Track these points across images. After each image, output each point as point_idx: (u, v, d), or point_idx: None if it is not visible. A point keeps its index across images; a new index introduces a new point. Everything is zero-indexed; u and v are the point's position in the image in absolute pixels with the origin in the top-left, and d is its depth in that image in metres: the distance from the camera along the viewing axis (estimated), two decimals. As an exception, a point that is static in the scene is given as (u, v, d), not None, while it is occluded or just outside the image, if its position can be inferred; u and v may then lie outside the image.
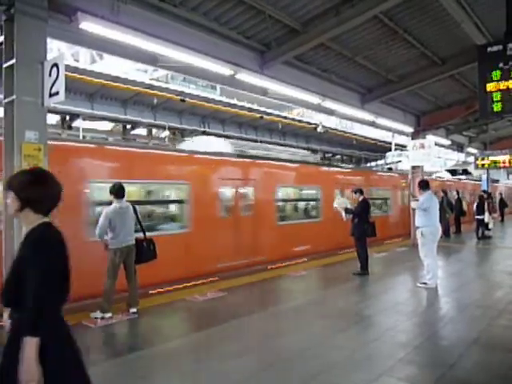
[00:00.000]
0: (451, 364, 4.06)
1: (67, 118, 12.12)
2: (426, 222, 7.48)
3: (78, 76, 11.21)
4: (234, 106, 15.66)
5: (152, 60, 7.35)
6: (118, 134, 13.93)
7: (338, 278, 8.62)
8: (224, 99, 16.24)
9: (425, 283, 7.45)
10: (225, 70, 7.34)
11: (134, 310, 5.86)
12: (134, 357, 4.35)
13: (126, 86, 12.50)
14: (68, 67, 10.93)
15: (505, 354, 4.39)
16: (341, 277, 8.57)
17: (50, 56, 4.89)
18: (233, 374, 3.94)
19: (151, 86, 13.42)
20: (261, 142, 17.23)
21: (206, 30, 7.05)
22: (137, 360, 4.27)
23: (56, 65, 4.55)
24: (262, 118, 16.28)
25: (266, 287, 7.76)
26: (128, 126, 13.86)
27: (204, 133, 14.52)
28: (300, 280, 8.29)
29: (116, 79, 12.39)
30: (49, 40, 5.18)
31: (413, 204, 7.91)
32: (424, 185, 7.84)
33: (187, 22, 6.73)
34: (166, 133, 14.23)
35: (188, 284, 7.57)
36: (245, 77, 7.78)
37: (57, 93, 4.54)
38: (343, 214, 8.78)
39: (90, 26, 5.40)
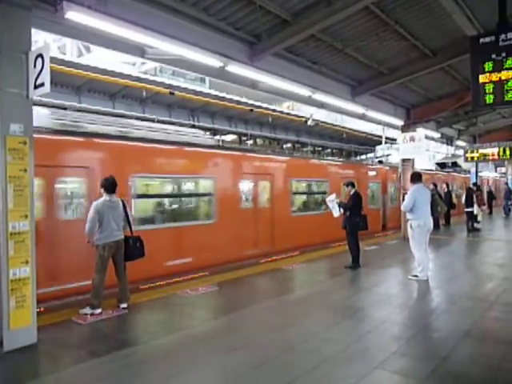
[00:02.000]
0: (444, 356, 4.05)
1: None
2: (415, 215, 7.49)
3: (65, 69, 10.98)
4: (224, 99, 15.50)
5: (140, 52, 7.21)
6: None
7: (331, 271, 8.62)
8: (213, 92, 16.08)
9: (416, 276, 7.48)
10: (214, 62, 7.22)
11: (124, 305, 5.78)
12: (125, 353, 4.28)
13: (114, 79, 12.29)
14: (54, 60, 10.74)
15: (496, 345, 4.40)
16: (333, 270, 8.56)
17: (35, 48, 4.75)
18: (228, 368, 3.90)
19: (140, 79, 13.22)
20: (251, 135, 17.17)
21: (195, 21, 6.92)
22: (128, 356, 4.20)
23: (41, 55, 4.41)
24: (252, 111, 16.16)
25: (259, 281, 7.72)
26: (117, 120, 13.64)
27: (193, 126, 14.38)
28: (292, 274, 8.26)
29: (104, 72, 12.17)
30: (35, 33, 5.04)
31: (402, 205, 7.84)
32: (416, 177, 7.82)
33: (175, 12, 6.59)
34: (156, 126, 14.06)
35: (179, 279, 7.50)
36: (234, 69, 7.67)
37: (42, 84, 4.40)
38: (334, 210, 8.69)
39: (76, 15, 5.24)
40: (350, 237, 8.53)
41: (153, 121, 13.57)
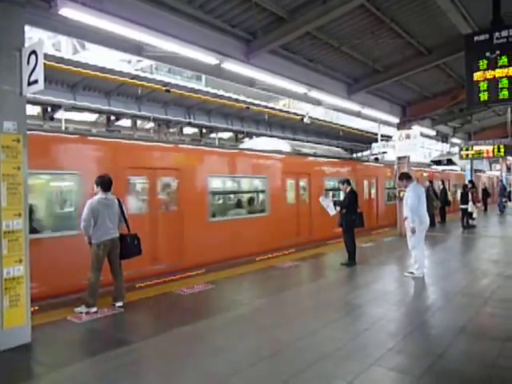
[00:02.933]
0: (440, 353, 4.07)
1: (49, 109, 11.81)
2: (414, 213, 7.47)
3: (60, 66, 10.91)
4: (220, 96, 15.46)
5: (136, 49, 7.20)
6: (102, 125, 13.65)
7: (327, 268, 8.64)
8: (210, 90, 16.03)
9: (412, 272, 7.50)
10: (210, 59, 7.22)
11: (119, 304, 5.76)
12: (121, 352, 4.26)
13: (109, 77, 12.21)
14: (49, 57, 10.67)
15: (491, 342, 4.42)
16: (329, 267, 8.58)
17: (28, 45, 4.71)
18: (225, 366, 3.89)
19: (135, 77, 13.15)
20: (247, 133, 17.12)
21: (191, 18, 6.89)
22: (123, 355, 4.18)
23: (34, 52, 4.37)
24: (248, 108, 16.12)
25: (254, 279, 7.72)
26: (112, 118, 13.58)
27: (189, 124, 14.33)
28: (288, 271, 8.27)
29: (99, 70, 12.10)
30: (29, 30, 5.00)
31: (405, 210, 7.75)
32: (406, 177, 7.84)
33: (171, 9, 6.56)
34: (151, 124, 14.00)
35: (174, 277, 7.49)
36: (231, 66, 7.67)
37: (36, 81, 4.37)
38: (329, 208, 8.70)
39: (70, 12, 5.22)
40: (346, 234, 8.54)
41: (148, 119, 13.53)
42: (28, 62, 4.44)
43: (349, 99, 11.09)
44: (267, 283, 7.46)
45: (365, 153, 25.90)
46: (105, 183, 5.78)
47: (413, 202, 7.36)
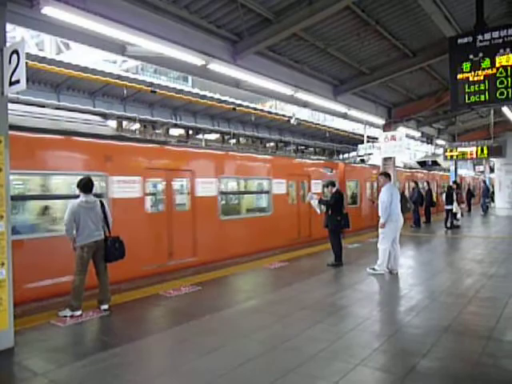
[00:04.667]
0: (424, 353, 4.10)
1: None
2: (389, 212, 7.65)
3: (44, 66, 10.77)
4: (206, 97, 15.44)
5: (121, 49, 7.13)
6: (87, 126, 13.49)
7: (313, 269, 8.64)
8: (196, 91, 15.99)
9: (373, 269, 7.73)
10: (196, 60, 7.19)
11: (105, 306, 5.69)
12: (106, 355, 4.21)
13: (94, 77, 12.10)
14: (32, 56, 10.54)
15: (475, 340, 4.47)
16: (315, 268, 8.59)
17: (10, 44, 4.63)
18: (210, 368, 3.86)
19: (121, 77, 13.05)
20: (233, 134, 17.11)
21: (176, 18, 6.87)
22: (108, 358, 4.13)
23: (16, 51, 4.29)
24: (234, 109, 16.12)
25: (241, 281, 7.70)
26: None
27: (176, 125, 14.27)
28: (275, 272, 8.27)
29: (84, 70, 11.97)
30: (12, 29, 4.91)
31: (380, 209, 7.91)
32: (385, 176, 8.04)
33: (156, 9, 6.53)
34: (137, 125, 13.91)
35: (160, 279, 7.43)
36: (217, 67, 7.65)
37: (17, 81, 4.29)
38: (316, 207, 8.83)
39: (53, 11, 5.14)
40: (332, 235, 8.57)
41: (134, 120, 13.44)
42: (10, 62, 4.36)
43: (335, 101, 11.16)
44: (254, 284, 7.45)
45: (351, 154, 26.13)
46: (85, 185, 5.69)
47: (384, 198, 7.64)
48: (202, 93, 15.52)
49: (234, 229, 10.38)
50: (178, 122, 15.19)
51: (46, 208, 7.38)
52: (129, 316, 5.65)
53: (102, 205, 5.86)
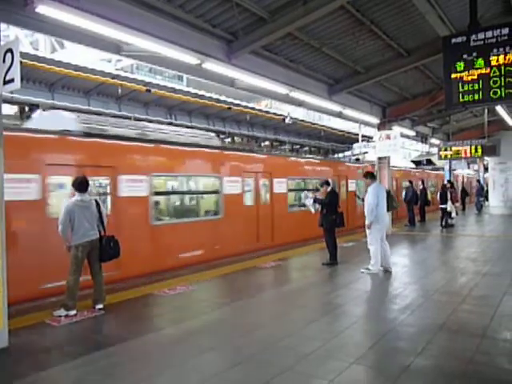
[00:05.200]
0: (419, 351, 4.12)
1: (26, 108, 11.57)
2: (374, 211, 7.69)
3: (38, 64, 10.70)
4: (202, 96, 15.39)
5: (116, 48, 7.10)
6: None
7: (308, 268, 8.67)
8: (191, 90, 15.94)
9: (368, 268, 7.76)
10: (191, 59, 7.18)
11: (100, 306, 5.68)
12: (101, 355, 4.20)
13: (88, 76, 12.03)
14: (26, 55, 10.47)
15: (469, 338, 4.50)
16: (311, 267, 8.62)
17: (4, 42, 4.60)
18: (206, 367, 3.86)
19: (115, 76, 13.00)
20: (229, 133, 17.09)
21: (171, 18, 6.84)
22: (103, 358, 4.12)
23: (10, 50, 4.26)
24: (229, 108, 16.10)
25: (236, 280, 7.69)
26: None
27: (170, 124, 14.23)
28: (269, 272, 8.28)
29: (78, 69, 11.91)
30: (6, 28, 4.89)
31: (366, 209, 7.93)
32: (370, 176, 8.08)
33: (151, 8, 6.50)
34: (132, 124, 13.83)
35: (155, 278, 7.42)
36: (212, 66, 7.64)
37: (12, 80, 4.27)
38: (312, 207, 8.83)
39: (47, 10, 5.12)
40: (327, 234, 8.59)
41: (129, 119, 13.38)
42: (4, 61, 4.33)
43: (330, 100, 11.17)
44: (249, 284, 7.45)
45: (346, 153, 26.17)
46: (80, 184, 5.67)
47: (370, 200, 7.69)
48: (198, 92, 15.47)
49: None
50: (173, 121, 15.14)
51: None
52: (123, 315, 5.65)
53: (98, 204, 5.84)
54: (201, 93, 15.52)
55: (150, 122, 12.12)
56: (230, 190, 10.29)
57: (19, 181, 6.27)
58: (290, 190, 12.76)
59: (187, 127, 14.84)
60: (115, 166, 7.73)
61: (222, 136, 17.76)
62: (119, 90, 13.22)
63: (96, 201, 5.85)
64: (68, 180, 6.62)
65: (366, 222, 7.82)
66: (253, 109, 17.87)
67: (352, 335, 4.71)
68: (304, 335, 4.66)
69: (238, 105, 16.72)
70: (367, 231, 7.90)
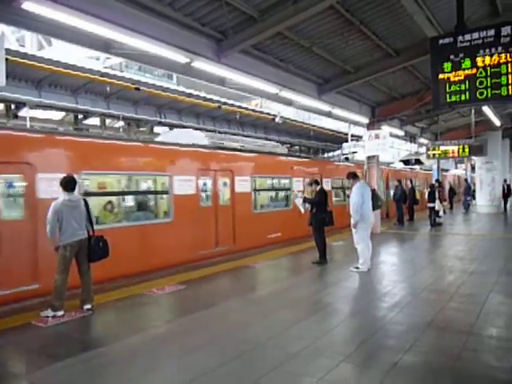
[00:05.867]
0: (408, 348, 4.16)
1: (12, 106, 11.44)
2: (360, 211, 7.73)
3: (24, 62, 10.56)
4: (191, 95, 15.34)
5: (104, 46, 7.05)
6: (70, 123, 13.31)
7: (298, 267, 8.70)
8: (181, 89, 15.89)
9: (357, 268, 7.81)
10: (180, 58, 7.15)
11: (88, 306, 5.62)
12: (89, 355, 4.17)
13: (76, 73, 11.91)
14: (12, 52, 10.32)
15: (457, 335, 4.55)
16: (300, 266, 8.65)
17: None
18: (195, 366, 3.86)
19: (104, 74, 12.88)
20: (219, 132, 17.06)
21: (160, 16, 6.81)
22: (91, 359, 4.09)
23: (-5, 47, 4.21)
24: (219, 107, 16.08)
25: (225, 280, 7.69)
26: (80, 116, 13.27)
27: (160, 123, 14.16)
28: (260, 271, 8.29)
29: (66, 66, 11.78)
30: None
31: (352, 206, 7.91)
32: (353, 176, 8.11)
33: (140, 6, 6.47)
34: (121, 123, 13.76)
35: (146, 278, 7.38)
36: (201, 65, 7.63)
37: (-3, 77, 4.22)
38: (302, 206, 8.87)
39: (34, 7, 5.06)
40: (316, 233, 8.62)
41: (118, 117, 13.29)
42: (-12, 58, 4.27)
43: (319, 99, 11.21)
44: (239, 283, 7.46)
45: (336, 152, 26.27)
46: (68, 184, 5.61)
47: (355, 199, 7.73)
48: (187, 91, 15.42)
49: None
50: (163, 120, 15.07)
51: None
52: (112, 316, 5.62)
53: (86, 203, 5.79)
54: (191, 91, 15.47)
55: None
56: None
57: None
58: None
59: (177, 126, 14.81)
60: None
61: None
62: (108, 88, 13.12)
63: (84, 200, 5.80)
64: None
65: (352, 221, 7.85)
66: (243, 108, 17.87)
67: (341, 333, 4.74)
68: (293, 334, 4.67)
69: (228, 104, 16.70)
70: (353, 230, 7.94)
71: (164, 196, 9.13)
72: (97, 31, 5.94)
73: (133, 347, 4.39)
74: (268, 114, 18.98)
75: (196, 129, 16.07)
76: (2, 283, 5.88)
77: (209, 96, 16.16)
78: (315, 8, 6.89)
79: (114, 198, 8.61)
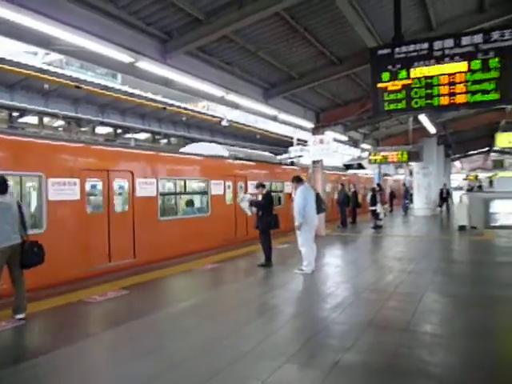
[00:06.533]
0: (348, 347, 4.29)
1: None
2: (303, 213, 7.90)
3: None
4: (135, 95, 14.97)
5: (44, 42, 6.68)
6: (4, 122, 12.54)
7: (244, 270, 8.73)
8: (125, 88, 15.46)
9: (301, 269, 7.96)
10: (124, 57, 6.95)
11: (20, 316, 5.29)
12: (20, 368, 3.92)
13: (12, 69, 11.25)
14: None
15: (394, 333, 4.76)
16: (246, 269, 8.68)
17: None
18: (141, 371, 3.75)
19: (42, 70, 12.26)
20: (165, 134, 16.79)
21: (103, 13, 6.58)
22: (23, 371, 3.86)
23: None
24: (164, 109, 15.82)
25: (171, 284, 7.56)
26: (15, 114, 12.54)
27: (102, 123, 13.70)
28: (206, 274, 8.22)
29: (1, 61, 11.09)
30: None
31: (295, 208, 8.03)
32: (296, 180, 8.29)
33: (81, 2, 6.22)
34: (61, 122, 13.16)
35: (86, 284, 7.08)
36: (146, 65, 7.47)
37: None
38: (248, 209, 8.90)
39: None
40: (262, 236, 8.69)
41: (57, 116, 12.70)
42: None
43: (265, 103, 11.32)
44: (185, 287, 7.36)
45: (283, 156, 26.66)
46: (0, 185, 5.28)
47: (299, 202, 7.89)
48: (132, 90, 15.03)
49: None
50: (106, 120, 14.59)
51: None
52: (47, 325, 5.33)
53: (20, 206, 5.46)
54: (135, 91, 15.10)
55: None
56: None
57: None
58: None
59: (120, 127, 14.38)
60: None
61: (157, 137, 17.45)
62: (46, 86, 12.51)
63: (18, 202, 5.47)
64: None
65: (296, 224, 7.98)
66: (189, 110, 17.70)
67: (285, 335, 4.80)
68: (238, 336, 4.67)
69: (173, 105, 16.47)
70: (297, 233, 8.07)
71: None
72: (36, 26, 5.65)
73: (68, 358, 4.19)
74: (214, 116, 18.93)
75: (141, 130, 15.73)
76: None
77: (154, 97, 15.86)
78: (261, 14, 6.96)
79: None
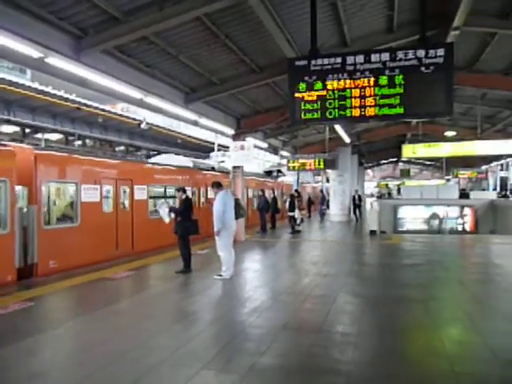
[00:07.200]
0: (263, 351, 4.35)
1: None
2: (222, 219, 7.93)
3: None
4: (46, 93, 14.02)
5: None
6: None
7: (162, 277, 8.52)
8: (35, 85, 14.42)
9: (220, 275, 7.99)
10: (31, 52, 6.48)
11: None
12: None
13: None
14: None
15: (309, 334, 4.93)
16: (164, 276, 8.48)
17: None
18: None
19: None
20: (79, 135, 15.93)
21: (10, 4, 6.09)
22: None
23: None
24: (79, 109, 15.01)
25: (81, 293, 7.11)
26: None
27: (8, 121, 12.65)
28: (119, 282, 7.88)
29: None
30: None
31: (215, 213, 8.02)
32: (216, 185, 8.32)
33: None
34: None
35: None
36: (57, 62, 7.02)
37: None
38: (166, 216, 8.65)
39: None
40: (181, 241, 8.55)
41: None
42: None
43: (186, 108, 11.21)
44: (97, 296, 6.97)
45: (206, 161, 26.61)
46: None
47: (218, 208, 7.94)
48: (42, 88, 14.05)
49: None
50: (12, 119, 13.48)
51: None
52: None
53: None
54: (46, 89, 14.14)
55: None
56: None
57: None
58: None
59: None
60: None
61: (70, 138, 16.48)
62: None
63: None
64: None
65: (215, 229, 7.95)
66: (106, 111, 16.97)
67: (202, 341, 4.75)
68: (152, 346, 4.52)
69: (89, 105, 15.68)
70: (216, 238, 8.08)
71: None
72: None
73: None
74: (133, 119, 18.35)
75: (52, 130, 14.79)
76: None
77: (67, 95, 14.98)
78: (182, 17, 6.92)
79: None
